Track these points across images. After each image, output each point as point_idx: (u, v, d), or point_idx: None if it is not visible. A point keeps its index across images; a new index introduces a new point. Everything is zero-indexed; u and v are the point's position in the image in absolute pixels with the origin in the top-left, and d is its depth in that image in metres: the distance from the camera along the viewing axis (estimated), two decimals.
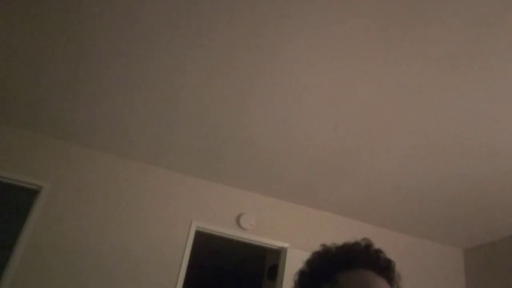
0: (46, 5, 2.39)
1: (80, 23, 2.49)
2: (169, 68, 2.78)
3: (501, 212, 4.00)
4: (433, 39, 2.23)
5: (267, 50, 2.50)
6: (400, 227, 4.72)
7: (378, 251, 0.85)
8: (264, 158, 3.72)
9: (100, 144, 3.92)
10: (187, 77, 2.84)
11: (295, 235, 4.38)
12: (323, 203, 4.46)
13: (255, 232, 4.25)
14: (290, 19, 2.24)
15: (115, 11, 2.37)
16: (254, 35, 2.40)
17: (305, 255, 0.89)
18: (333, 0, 2.09)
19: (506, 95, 2.56)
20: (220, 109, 3.12)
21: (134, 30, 2.49)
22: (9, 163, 3.71)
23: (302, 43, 2.40)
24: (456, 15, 2.07)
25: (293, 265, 3.96)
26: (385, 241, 4.62)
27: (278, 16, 2.23)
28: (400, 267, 0.87)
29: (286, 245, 4.26)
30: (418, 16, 2.10)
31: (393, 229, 4.80)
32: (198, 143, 3.64)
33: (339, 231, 4.57)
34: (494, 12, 2.02)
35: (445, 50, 2.29)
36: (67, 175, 3.86)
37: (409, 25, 2.16)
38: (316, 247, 0.89)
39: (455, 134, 2.99)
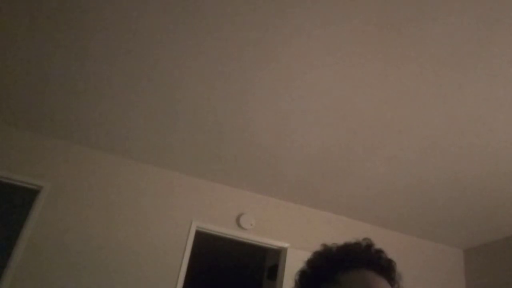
0: (46, 7, 2.39)
1: (81, 24, 2.49)
2: (169, 68, 2.77)
3: (501, 212, 4.01)
4: (432, 39, 2.23)
5: (269, 51, 2.50)
6: (400, 227, 4.72)
7: (379, 251, 0.85)
8: (264, 158, 3.72)
9: (100, 144, 3.92)
10: (188, 78, 2.84)
11: (295, 235, 4.38)
12: (323, 203, 4.46)
13: (255, 232, 4.25)
14: (292, 21, 2.24)
15: (115, 12, 2.37)
16: (255, 35, 2.39)
17: (305, 255, 0.89)
18: (335, 1, 2.09)
19: (506, 95, 2.56)
20: (221, 109, 3.12)
21: (135, 30, 2.49)
22: (9, 163, 3.71)
23: (303, 43, 2.40)
24: (456, 15, 2.07)
25: (293, 265, 3.96)
26: (385, 241, 4.61)
27: (280, 17, 2.23)
28: (400, 267, 0.87)
29: (286, 245, 4.26)
30: (418, 16, 2.10)
31: (393, 229, 4.80)
32: (198, 143, 3.64)
33: (339, 231, 4.57)
34: (494, 11, 2.02)
35: (445, 50, 2.29)
36: (67, 175, 3.86)
37: (409, 25, 2.16)
38: (316, 247, 0.89)
39: (455, 134, 2.99)
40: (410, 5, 2.05)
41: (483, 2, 1.98)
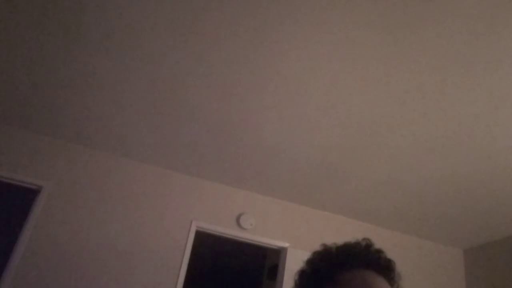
0: (45, 6, 2.39)
1: (82, 25, 2.49)
2: (170, 68, 2.77)
3: (501, 212, 4.00)
4: (433, 40, 2.23)
5: (269, 51, 2.50)
6: (400, 227, 4.72)
7: (379, 251, 0.85)
8: (264, 158, 3.73)
9: (100, 144, 3.92)
10: (188, 78, 2.84)
11: (295, 235, 4.38)
12: (323, 203, 4.46)
13: (255, 232, 4.25)
14: (295, 25, 2.24)
15: (115, 10, 2.37)
16: (259, 39, 2.39)
17: (305, 255, 0.89)
18: (335, 4, 2.09)
19: (505, 95, 2.56)
20: (222, 110, 3.12)
21: (135, 29, 2.49)
22: (9, 163, 3.71)
23: (303, 46, 2.40)
24: (456, 17, 2.07)
25: (293, 265, 3.96)
26: (385, 241, 4.63)
27: (284, 22, 2.23)
28: (400, 267, 0.87)
29: (286, 245, 4.26)
30: (417, 18, 2.10)
31: (393, 229, 4.80)
32: (198, 143, 3.64)
33: (339, 231, 4.57)
34: (494, 13, 2.02)
35: (444, 51, 2.29)
36: (67, 175, 3.86)
37: (408, 26, 2.16)
38: (316, 247, 0.89)
39: (455, 134, 2.99)
40: (411, 8, 2.05)
41: (483, 3, 1.98)
